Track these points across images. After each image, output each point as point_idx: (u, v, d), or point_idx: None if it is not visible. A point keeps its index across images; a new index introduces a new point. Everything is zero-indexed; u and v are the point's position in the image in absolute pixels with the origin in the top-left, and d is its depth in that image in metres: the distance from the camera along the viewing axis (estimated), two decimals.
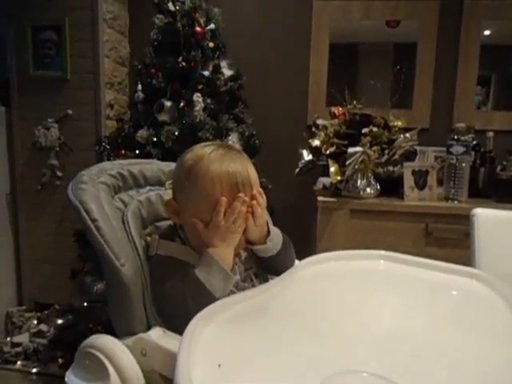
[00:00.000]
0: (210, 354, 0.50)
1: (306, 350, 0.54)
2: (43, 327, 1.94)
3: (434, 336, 0.59)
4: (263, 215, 0.73)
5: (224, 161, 0.72)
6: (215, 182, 0.70)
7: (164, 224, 0.86)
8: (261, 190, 0.74)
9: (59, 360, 1.76)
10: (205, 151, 0.74)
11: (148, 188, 0.89)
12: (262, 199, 0.73)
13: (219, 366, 0.48)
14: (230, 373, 0.48)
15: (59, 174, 2.00)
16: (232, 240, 0.70)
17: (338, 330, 0.61)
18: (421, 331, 0.61)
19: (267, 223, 0.76)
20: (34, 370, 1.80)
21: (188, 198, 0.73)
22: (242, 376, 0.48)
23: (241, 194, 0.69)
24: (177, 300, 0.66)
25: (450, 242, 1.54)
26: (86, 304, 1.73)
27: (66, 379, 0.61)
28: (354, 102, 1.67)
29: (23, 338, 1.92)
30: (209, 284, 0.66)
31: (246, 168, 0.74)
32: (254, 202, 0.71)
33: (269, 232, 0.76)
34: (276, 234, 0.78)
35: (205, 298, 0.64)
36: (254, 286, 0.75)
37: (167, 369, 0.56)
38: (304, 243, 1.90)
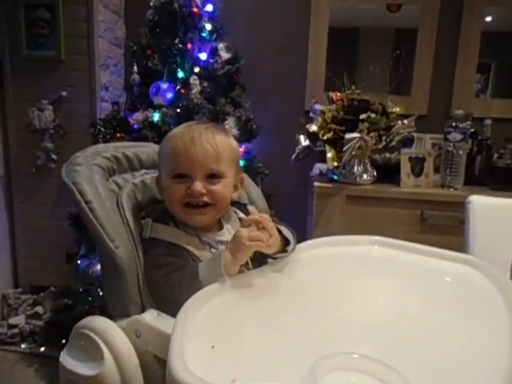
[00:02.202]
0: (203, 336, 0.50)
1: (299, 332, 0.55)
2: (39, 309, 1.95)
3: (427, 321, 0.60)
4: (273, 232, 0.70)
5: (198, 130, 0.76)
6: (179, 147, 0.75)
7: (159, 207, 0.85)
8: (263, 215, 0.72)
9: (55, 341, 1.77)
10: (182, 125, 0.81)
11: (143, 171, 0.89)
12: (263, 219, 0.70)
13: (212, 347, 0.48)
14: (223, 354, 0.48)
15: (54, 156, 1.98)
16: (246, 255, 0.69)
17: (331, 313, 0.61)
18: (414, 316, 0.61)
19: (278, 230, 0.73)
20: (31, 351, 1.82)
21: (160, 161, 0.81)
22: (234, 357, 0.48)
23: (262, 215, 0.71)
24: (172, 287, 0.67)
25: (445, 228, 1.55)
26: (81, 287, 1.73)
27: (60, 359, 0.62)
28: (353, 87, 1.65)
29: (19, 320, 1.93)
30: (204, 281, 0.65)
31: (218, 140, 0.76)
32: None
33: (286, 239, 0.75)
34: (290, 237, 0.77)
35: (195, 290, 0.62)
36: (248, 269, 0.75)
37: (161, 350, 0.57)
38: (300, 229, 1.91)
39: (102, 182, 0.76)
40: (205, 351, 0.47)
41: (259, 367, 0.46)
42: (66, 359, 0.61)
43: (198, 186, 0.74)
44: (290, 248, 0.76)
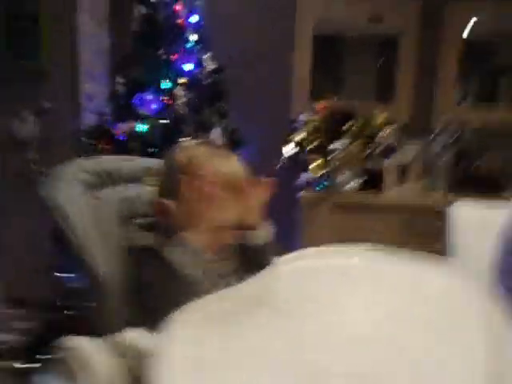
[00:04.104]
0: (189, 353, 0.50)
1: (284, 348, 0.54)
2: (22, 325, 1.91)
3: (402, 340, 0.59)
4: (255, 198, 0.75)
5: (220, 160, 0.76)
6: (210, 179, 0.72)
7: (142, 221, 0.85)
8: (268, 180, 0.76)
9: (40, 356, 1.73)
10: (197, 150, 0.79)
11: (125, 185, 0.88)
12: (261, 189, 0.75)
13: (200, 364, 0.48)
14: (209, 371, 0.48)
15: (37, 168, 1.95)
16: (200, 222, 0.70)
17: (315, 327, 0.61)
18: (389, 334, 0.61)
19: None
20: (15, 366, 1.78)
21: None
22: (220, 374, 0.48)
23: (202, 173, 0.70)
24: (155, 288, 0.67)
25: (429, 235, 1.56)
26: (65, 301, 1.70)
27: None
28: (335, 98, 1.67)
29: (3, 336, 1.89)
30: (177, 261, 0.67)
31: (239, 167, 0.79)
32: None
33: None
34: (267, 226, 0.80)
35: (174, 278, 0.66)
36: (236, 281, 0.75)
37: (145, 369, 0.56)
38: (287, 239, 1.90)
39: (83, 198, 0.75)
40: (191, 369, 0.47)
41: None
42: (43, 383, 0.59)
43: None
44: (262, 225, 0.78)
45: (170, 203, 0.70)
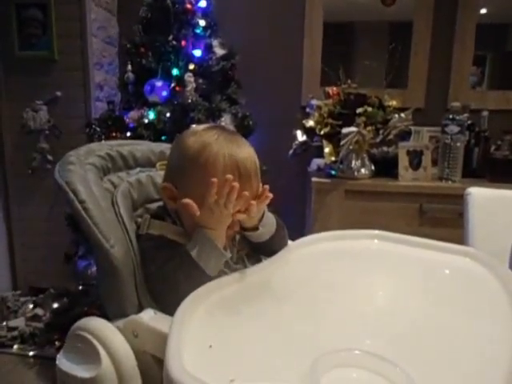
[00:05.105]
0: (200, 335, 0.49)
1: (298, 330, 0.54)
2: (39, 311, 1.94)
3: (428, 315, 0.59)
4: (260, 209, 0.71)
5: (233, 147, 0.71)
6: (226, 169, 0.68)
7: (155, 205, 0.84)
8: (266, 186, 0.71)
9: (56, 343, 1.76)
10: (210, 136, 0.72)
11: (138, 169, 0.87)
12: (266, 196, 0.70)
13: (210, 346, 0.47)
14: (221, 353, 0.47)
15: (49, 157, 1.96)
16: (224, 222, 0.68)
17: (331, 309, 0.60)
18: (415, 310, 0.61)
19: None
20: (31, 353, 1.81)
21: (194, 184, 0.69)
22: (233, 356, 0.47)
23: (228, 176, 0.64)
24: (167, 277, 0.66)
25: (444, 221, 1.54)
26: (80, 287, 1.73)
27: (57, 362, 0.61)
28: (349, 81, 1.64)
29: (19, 322, 1.93)
30: (200, 261, 0.64)
31: (252, 155, 0.74)
32: (252, 201, 0.68)
33: (262, 217, 0.74)
34: (270, 219, 0.76)
35: (196, 275, 0.63)
36: (245, 267, 0.74)
37: (159, 350, 0.56)
38: (299, 225, 1.90)
39: (96, 181, 0.75)
40: (203, 351, 0.47)
41: (258, 366, 0.46)
42: (63, 361, 0.60)
43: None
44: (261, 225, 0.74)
45: (190, 202, 0.66)
